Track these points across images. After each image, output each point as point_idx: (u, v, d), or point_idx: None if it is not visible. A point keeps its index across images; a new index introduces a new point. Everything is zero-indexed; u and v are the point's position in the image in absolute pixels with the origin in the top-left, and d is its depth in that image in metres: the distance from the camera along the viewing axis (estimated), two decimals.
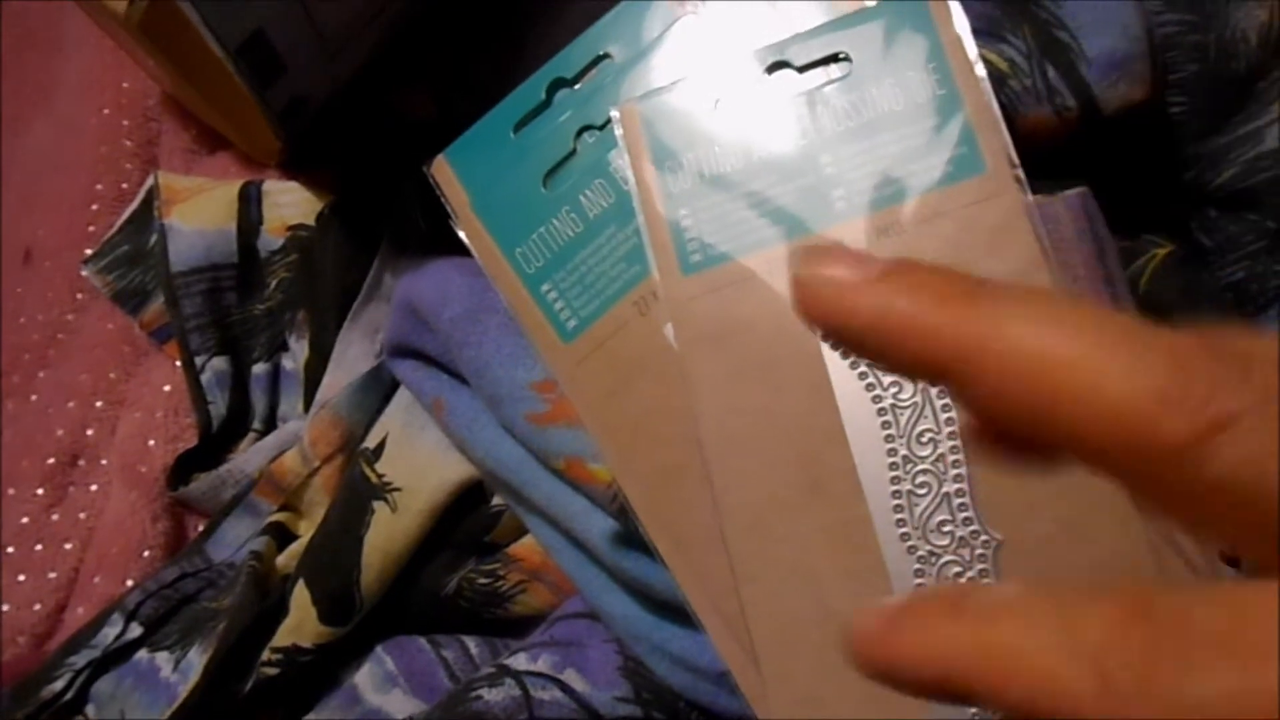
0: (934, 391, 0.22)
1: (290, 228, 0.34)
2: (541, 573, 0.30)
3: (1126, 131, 0.27)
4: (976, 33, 0.25)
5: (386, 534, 0.30)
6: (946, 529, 0.22)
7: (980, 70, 0.24)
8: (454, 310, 0.29)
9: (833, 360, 0.23)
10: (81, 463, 0.34)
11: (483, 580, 0.30)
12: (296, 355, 0.34)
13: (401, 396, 0.32)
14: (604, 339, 0.25)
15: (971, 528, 0.22)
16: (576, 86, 0.28)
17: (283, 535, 0.32)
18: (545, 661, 0.27)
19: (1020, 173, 0.23)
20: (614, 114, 0.26)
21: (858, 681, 0.21)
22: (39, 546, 0.33)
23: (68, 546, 0.33)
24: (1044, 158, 0.27)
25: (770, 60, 0.25)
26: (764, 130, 0.25)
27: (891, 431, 0.22)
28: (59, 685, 0.30)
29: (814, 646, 0.22)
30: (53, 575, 0.32)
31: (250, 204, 0.34)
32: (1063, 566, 0.21)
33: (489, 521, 0.31)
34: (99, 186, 0.38)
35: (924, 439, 0.22)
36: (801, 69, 0.25)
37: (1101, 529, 0.21)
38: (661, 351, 0.24)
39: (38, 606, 0.32)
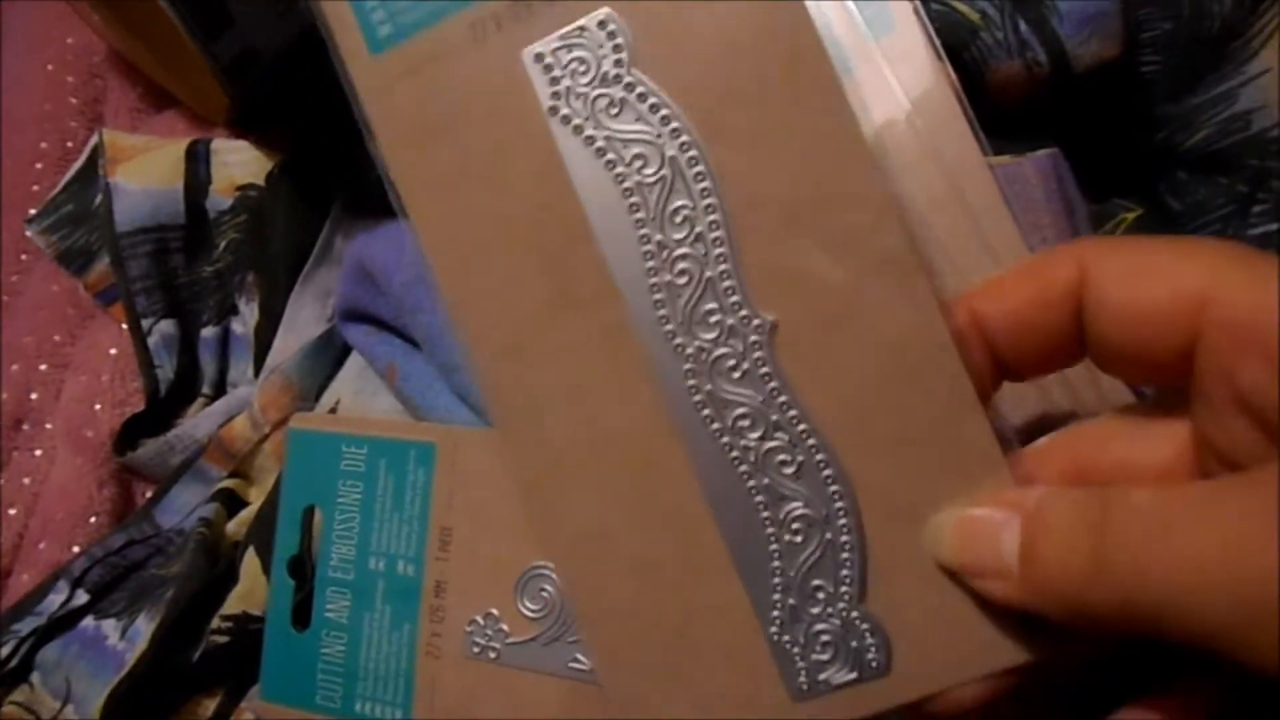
0: (684, 159, 0.18)
1: (239, 188, 0.33)
2: None
3: (1098, 90, 0.26)
4: None
5: None
6: (714, 319, 0.19)
7: None
8: (406, 275, 0.28)
9: (564, 138, 0.19)
10: (26, 427, 0.33)
11: None
12: (246, 319, 0.33)
13: (353, 361, 0.31)
14: (422, 61, 0.19)
15: (741, 313, 0.19)
16: None
17: (233, 502, 0.31)
18: None
19: None
20: None
21: (640, 508, 0.19)
22: None
23: (12, 512, 0.32)
24: (1014, 117, 0.26)
25: None
26: None
27: (641, 215, 0.19)
28: (3, 653, 0.29)
29: (591, 475, 0.19)
30: None
31: (198, 163, 0.33)
32: (844, 345, 0.18)
33: None
34: (43, 145, 0.36)
35: (678, 218, 0.19)
36: None
37: (884, 299, 0.18)
38: (495, 94, 0.19)
39: None
